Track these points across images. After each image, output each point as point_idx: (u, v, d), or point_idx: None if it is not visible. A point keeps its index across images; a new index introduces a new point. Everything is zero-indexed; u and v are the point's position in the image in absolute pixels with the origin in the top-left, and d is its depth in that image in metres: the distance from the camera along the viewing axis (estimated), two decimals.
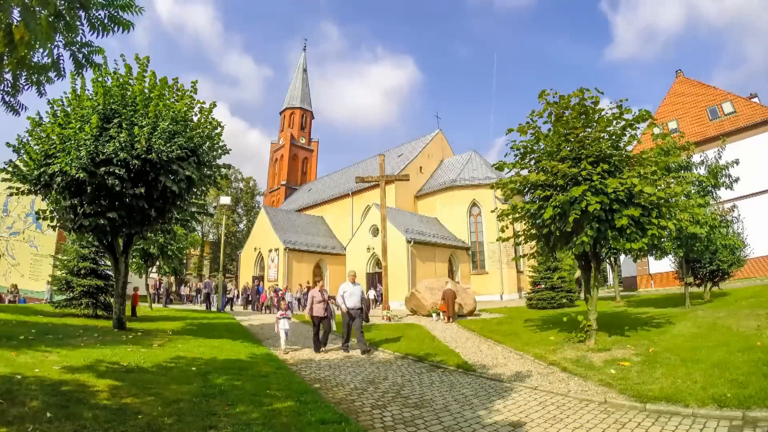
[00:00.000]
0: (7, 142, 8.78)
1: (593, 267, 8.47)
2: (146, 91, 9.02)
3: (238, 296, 26.63)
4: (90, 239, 11.05)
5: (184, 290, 30.58)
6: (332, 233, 34.17)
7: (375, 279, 25.35)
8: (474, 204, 29.03)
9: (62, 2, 2.49)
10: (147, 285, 19.05)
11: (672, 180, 9.29)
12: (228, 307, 22.11)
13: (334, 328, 9.96)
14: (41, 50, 2.68)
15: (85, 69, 2.93)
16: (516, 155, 8.62)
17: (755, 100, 24.29)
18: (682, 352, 6.59)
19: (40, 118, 9.00)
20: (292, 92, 53.60)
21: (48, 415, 3.41)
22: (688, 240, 11.30)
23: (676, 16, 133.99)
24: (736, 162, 11.89)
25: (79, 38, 2.74)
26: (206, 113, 9.87)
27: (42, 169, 8.47)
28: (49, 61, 2.75)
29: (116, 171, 8.10)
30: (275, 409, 4.31)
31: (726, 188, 12.17)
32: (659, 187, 7.43)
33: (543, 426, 4.24)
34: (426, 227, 27.73)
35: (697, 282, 14.02)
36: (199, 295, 27.71)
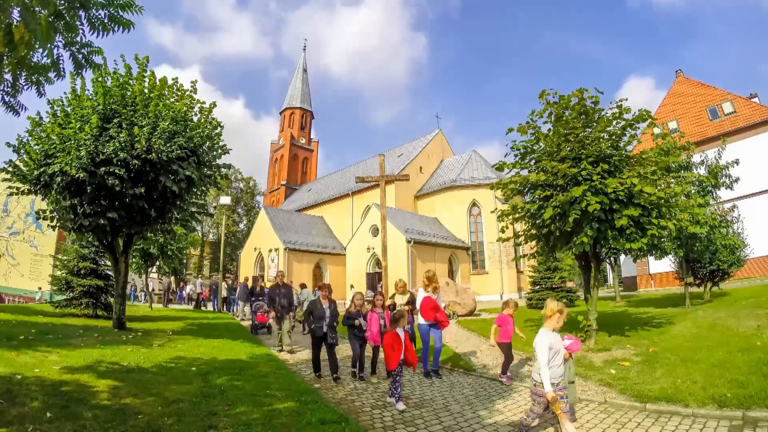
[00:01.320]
0: (7, 142, 8.77)
1: (593, 267, 8.47)
2: (146, 91, 9.02)
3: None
4: (90, 239, 11.04)
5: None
6: (332, 233, 34.18)
7: (375, 279, 25.37)
8: (474, 204, 29.04)
9: (62, 2, 2.49)
10: (147, 285, 19.06)
11: (672, 180, 9.29)
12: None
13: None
14: (41, 50, 2.68)
15: (84, 69, 2.93)
16: (516, 155, 8.62)
17: (755, 100, 24.28)
18: (682, 352, 6.59)
19: (40, 118, 9.00)
20: (292, 92, 53.62)
21: (48, 415, 3.41)
22: (688, 240, 11.29)
23: None
24: (736, 162, 11.90)
25: (79, 38, 2.73)
26: (206, 113, 9.88)
27: (42, 169, 8.47)
28: (49, 61, 2.74)
29: (116, 171, 8.10)
30: (275, 409, 4.31)
31: (726, 188, 12.17)
32: (659, 187, 7.43)
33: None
34: (426, 227, 27.74)
35: (697, 282, 14.01)
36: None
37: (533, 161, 8.52)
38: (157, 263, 18.61)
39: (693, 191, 11.28)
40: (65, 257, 12.88)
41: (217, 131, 9.99)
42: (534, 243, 9.20)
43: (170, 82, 9.42)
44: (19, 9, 2.24)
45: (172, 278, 25.39)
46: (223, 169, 10.37)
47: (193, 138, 9.03)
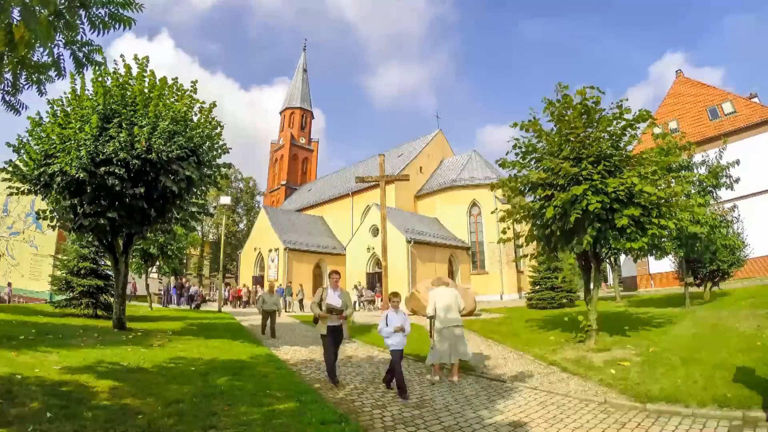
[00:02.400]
0: (7, 142, 8.78)
1: (593, 267, 8.47)
2: (146, 91, 9.02)
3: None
4: (90, 239, 11.05)
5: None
6: (332, 233, 34.18)
7: (375, 279, 25.36)
8: (474, 204, 29.04)
9: (62, 1, 2.48)
10: (147, 285, 19.06)
11: (672, 180, 9.29)
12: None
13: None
14: (41, 49, 2.68)
15: (85, 68, 2.93)
16: (517, 154, 8.62)
17: (755, 100, 24.29)
18: (683, 352, 6.58)
19: (40, 117, 9.00)
20: (292, 92, 53.64)
21: (48, 415, 3.41)
22: (688, 240, 11.28)
23: None
24: (737, 162, 11.88)
25: (79, 37, 2.73)
26: (206, 113, 9.88)
27: (42, 169, 8.47)
28: (50, 60, 2.74)
29: (116, 171, 8.10)
30: (275, 409, 4.30)
31: (726, 188, 12.15)
32: (659, 187, 7.42)
33: (543, 426, 4.24)
34: (426, 227, 27.73)
35: (697, 282, 14.01)
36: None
37: (534, 161, 8.52)
38: (157, 263, 18.61)
39: (693, 191, 11.27)
40: (65, 257, 12.89)
41: (217, 131, 10.00)
42: (535, 243, 9.19)
43: (170, 82, 9.44)
44: (19, 8, 2.24)
45: (172, 278, 25.35)
46: (223, 169, 10.37)
47: (193, 138, 9.03)
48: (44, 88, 2.97)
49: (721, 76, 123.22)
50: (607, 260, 17.77)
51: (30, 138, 8.87)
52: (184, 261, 34.14)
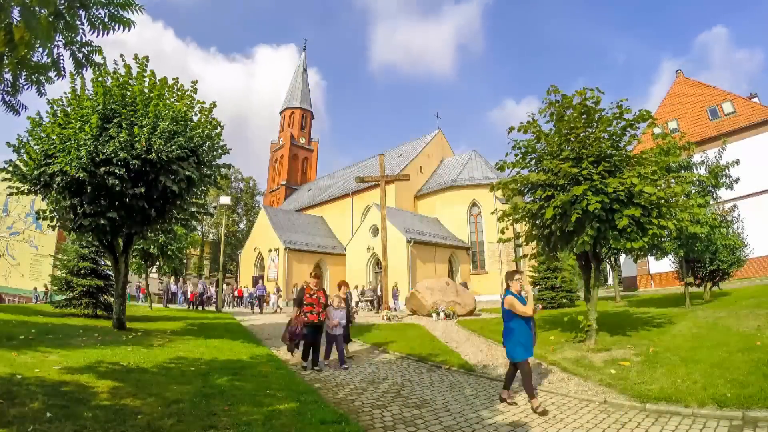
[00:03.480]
0: (7, 142, 8.77)
1: (593, 267, 8.46)
2: (146, 91, 9.02)
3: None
4: (90, 239, 11.04)
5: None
6: (332, 233, 34.18)
7: (376, 279, 25.36)
8: (474, 204, 29.05)
9: (62, 2, 2.49)
10: (147, 285, 19.07)
11: (672, 180, 9.28)
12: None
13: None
14: (41, 50, 2.68)
15: (84, 68, 2.93)
16: (516, 155, 8.61)
17: (755, 100, 24.29)
18: (682, 352, 6.59)
19: (40, 117, 9.00)
20: (292, 92, 53.64)
21: (48, 415, 3.41)
22: (688, 240, 11.27)
23: None
24: (737, 162, 11.86)
25: (79, 38, 2.73)
26: (206, 113, 9.88)
27: (42, 169, 8.46)
28: (49, 60, 2.74)
29: (116, 171, 8.09)
30: (275, 409, 4.31)
31: (726, 188, 12.14)
32: (659, 187, 7.42)
33: (543, 426, 4.24)
34: (426, 227, 27.73)
35: (697, 282, 14.01)
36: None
37: (533, 161, 8.51)
38: (157, 263, 18.61)
39: (693, 191, 11.26)
40: (65, 257, 12.88)
41: (217, 131, 10.00)
42: (534, 243, 9.19)
43: (170, 82, 9.44)
44: (19, 8, 2.24)
45: (172, 278, 25.33)
46: (223, 169, 10.36)
47: (193, 138, 9.03)
48: (44, 89, 2.97)
49: (762, 60, 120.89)
50: (607, 260, 17.75)
51: (30, 138, 8.86)
52: (184, 261, 34.14)
